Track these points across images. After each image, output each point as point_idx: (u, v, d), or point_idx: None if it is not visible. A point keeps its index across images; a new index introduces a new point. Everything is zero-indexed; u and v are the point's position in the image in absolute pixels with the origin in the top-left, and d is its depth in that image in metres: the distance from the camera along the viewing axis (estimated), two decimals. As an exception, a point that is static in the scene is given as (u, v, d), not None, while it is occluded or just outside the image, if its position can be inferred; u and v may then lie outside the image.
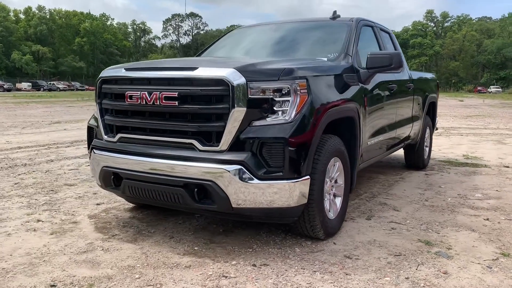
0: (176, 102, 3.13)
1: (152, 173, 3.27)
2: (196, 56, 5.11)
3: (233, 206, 3.07)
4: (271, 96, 3.07)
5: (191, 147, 3.16)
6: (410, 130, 5.88)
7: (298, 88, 3.11)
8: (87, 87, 71.25)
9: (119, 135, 3.51)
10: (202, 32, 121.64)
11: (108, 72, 3.64)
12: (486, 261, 3.20)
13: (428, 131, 6.96)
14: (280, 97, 3.08)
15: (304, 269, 3.00)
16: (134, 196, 3.49)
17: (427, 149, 6.98)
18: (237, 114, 3.01)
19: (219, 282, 2.80)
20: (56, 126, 13.05)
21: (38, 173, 6.20)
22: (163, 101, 3.17)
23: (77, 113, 19.11)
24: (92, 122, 3.90)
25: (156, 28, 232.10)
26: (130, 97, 3.33)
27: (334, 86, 3.63)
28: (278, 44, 4.72)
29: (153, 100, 3.21)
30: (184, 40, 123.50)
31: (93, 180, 5.68)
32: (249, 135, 3.03)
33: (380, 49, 5.08)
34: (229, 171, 3.00)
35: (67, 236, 3.64)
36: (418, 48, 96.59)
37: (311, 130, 3.15)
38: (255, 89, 3.03)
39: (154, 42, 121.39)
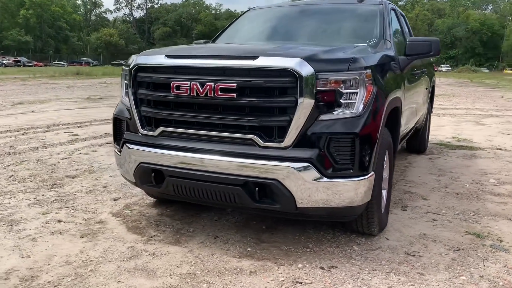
0: (235, 94, 2.86)
1: (204, 170, 3.01)
2: (214, 40, 4.77)
3: (298, 206, 2.88)
4: (338, 88, 2.86)
5: (251, 143, 2.92)
6: (421, 115, 5.85)
7: (365, 79, 2.91)
8: (35, 62, 67.20)
9: (160, 129, 3.20)
10: (156, 6, 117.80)
11: (145, 58, 3.29)
12: (543, 253, 3.20)
13: (428, 114, 6.99)
14: (347, 88, 2.87)
15: (375, 270, 2.88)
16: (179, 194, 3.21)
17: (426, 132, 7.02)
18: (305, 108, 2.78)
19: (295, 289, 2.63)
20: (21, 108, 12.17)
21: (29, 163, 5.70)
22: (219, 93, 2.89)
23: (37, 92, 17.92)
24: (120, 112, 3.55)
25: (107, 1, 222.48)
26: (177, 87, 3.01)
27: (389, 75, 3.46)
28: (309, 28, 4.45)
29: (207, 92, 2.92)
30: (138, 14, 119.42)
31: (95, 171, 5.30)
32: (316, 130, 2.82)
33: (403, 34, 4.95)
34: (296, 169, 2.79)
35: (101, 239, 3.33)
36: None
37: (377, 123, 2.99)
38: (323, 80, 2.81)
39: (106, 16, 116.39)
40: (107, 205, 4.11)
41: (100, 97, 16.07)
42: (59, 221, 3.67)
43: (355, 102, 2.88)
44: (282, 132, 2.85)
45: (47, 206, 4.05)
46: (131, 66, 3.30)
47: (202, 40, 4.94)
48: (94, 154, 6.31)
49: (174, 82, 3.03)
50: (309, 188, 2.81)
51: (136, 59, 3.30)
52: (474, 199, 4.49)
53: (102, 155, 6.29)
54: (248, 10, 5.14)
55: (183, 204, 4.07)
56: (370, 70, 2.97)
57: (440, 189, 4.83)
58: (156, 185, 3.26)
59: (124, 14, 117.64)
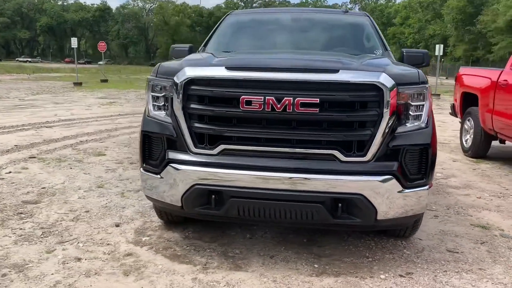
0: (317, 109, 2.77)
1: (277, 189, 2.85)
2: (204, 45, 4.45)
3: (378, 218, 2.91)
4: (409, 101, 2.96)
5: (331, 158, 2.85)
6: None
7: (428, 92, 3.07)
8: None
9: (221, 147, 2.92)
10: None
11: (200, 70, 2.97)
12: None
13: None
14: (416, 101, 2.99)
15: (446, 271, 3.07)
16: (243, 216, 2.98)
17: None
18: (387, 121, 2.82)
19: (398, 300, 2.67)
20: None
21: (-43, 189, 4.66)
22: (300, 108, 2.76)
23: None
24: (153, 128, 3.14)
25: None
26: (248, 102, 2.79)
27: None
28: (312, 37, 4.47)
29: (285, 107, 2.76)
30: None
31: (54, 193, 4.59)
32: (396, 143, 2.89)
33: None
34: (382, 182, 2.82)
35: (152, 275, 2.92)
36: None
37: (435, 133, 3.17)
38: (402, 93, 2.89)
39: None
40: (114, 233, 3.60)
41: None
42: (79, 259, 3.10)
43: (421, 114, 3.02)
44: (361, 145, 2.85)
45: (42, 242, 3.38)
46: (181, 79, 2.93)
47: (185, 45, 4.57)
48: (29, 172, 5.40)
49: (244, 96, 2.80)
50: (392, 200, 2.87)
51: (185, 71, 2.95)
52: (444, 193, 5.03)
53: (40, 172, 5.42)
54: (229, 15, 4.91)
55: (195, 223, 3.77)
56: (429, 84, 3.14)
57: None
58: (214, 207, 2.98)
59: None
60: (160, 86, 3.14)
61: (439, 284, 2.88)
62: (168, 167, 3.01)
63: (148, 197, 3.31)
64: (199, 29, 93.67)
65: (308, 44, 4.41)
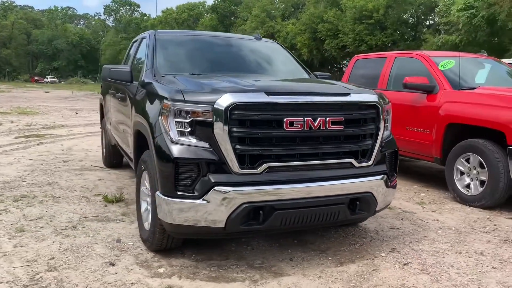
0: (342, 126, 3.35)
1: (312, 197, 3.31)
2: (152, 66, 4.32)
3: (377, 209, 3.68)
4: (387, 116, 3.79)
5: (348, 166, 3.47)
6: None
7: (387, 108, 3.99)
8: None
9: (265, 165, 3.18)
10: None
11: (245, 96, 3.15)
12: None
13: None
14: (388, 115, 3.84)
15: (408, 239, 4.03)
16: (283, 226, 3.30)
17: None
18: (382, 132, 3.62)
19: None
20: None
21: None
22: (331, 126, 3.30)
23: None
24: (190, 154, 3.13)
25: None
26: (291, 123, 3.17)
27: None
28: (245, 60, 4.89)
29: (320, 125, 3.25)
30: None
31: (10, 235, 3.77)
32: (383, 149, 3.71)
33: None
34: (381, 180, 3.60)
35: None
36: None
37: (392, 139, 4.11)
38: (387, 110, 3.72)
39: None
40: (121, 273, 3.31)
41: None
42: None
43: (388, 125, 3.90)
44: (365, 153, 3.56)
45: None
46: (226, 104, 3.07)
47: (124, 66, 4.36)
48: None
49: (287, 118, 3.17)
50: (385, 194, 3.67)
51: (230, 98, 3.09)
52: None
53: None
54: (157, 35, 4.83)
55: (186, 246, 3.78)
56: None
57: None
58: (261, 222, 3.21)
59: None
60: (188, 112, 3.16)
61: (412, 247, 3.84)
62: (213, 190, 3.09)
63: (171, 224, 3.24)
64: None
65: (254, 68, 4.86)
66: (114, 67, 4.40)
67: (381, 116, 3.58)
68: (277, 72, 4.92)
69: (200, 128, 3.18)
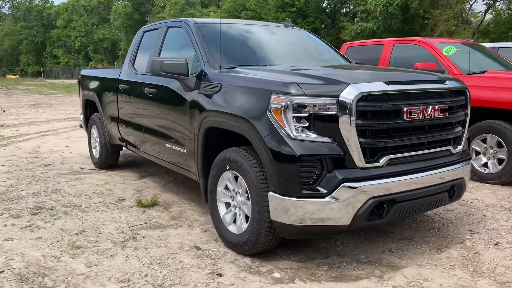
0: (447, 114, 3.35)
1: (425, 187, 3.28)
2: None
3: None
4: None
5: (448, 153, 3.48)
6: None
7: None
8: None
9: (386, 157, 3.08)
10: None
11: (370, 86, 3.01)
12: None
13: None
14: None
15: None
16: (398, 218, 3.25)
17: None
18: (468, 118, 3.67)
19: None
20: None
21: None
22: (440, 114, 3.28)
23: None
24: (311, 150, 2.93)
25: None
26: (410, 113, 3.10)
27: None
28: (295, 49, 4.77)
29: (431, 114, 3.22)
30: None
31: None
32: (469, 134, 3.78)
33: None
34: (467, 165, 3.70)
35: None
36: None
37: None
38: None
39: None
40: (237, 283, 3.04)
41: None
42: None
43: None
44: (457, 139, 3.59)
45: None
46: (352, 96, 2.90)
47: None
48: None
49: (407, 108, 3.10)
50: (468, 178, 3.74)
51: (357, 88, 2.93)
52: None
53: None
54: (197, 23, 4.42)
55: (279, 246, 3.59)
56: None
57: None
58: (383, 216, 3.11)
59: None
60: (306, 105, 2.95)
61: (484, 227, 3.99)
62: (341, 187, 2.93)
63: (288, 225, 3.03)
64: None
65: (302, 58, 4.72)
66: (166, 59, 3.96)
67: (469, 102, 3.63)
68: (327, 60, 4.81)
69: (320, 122, 2.98)
